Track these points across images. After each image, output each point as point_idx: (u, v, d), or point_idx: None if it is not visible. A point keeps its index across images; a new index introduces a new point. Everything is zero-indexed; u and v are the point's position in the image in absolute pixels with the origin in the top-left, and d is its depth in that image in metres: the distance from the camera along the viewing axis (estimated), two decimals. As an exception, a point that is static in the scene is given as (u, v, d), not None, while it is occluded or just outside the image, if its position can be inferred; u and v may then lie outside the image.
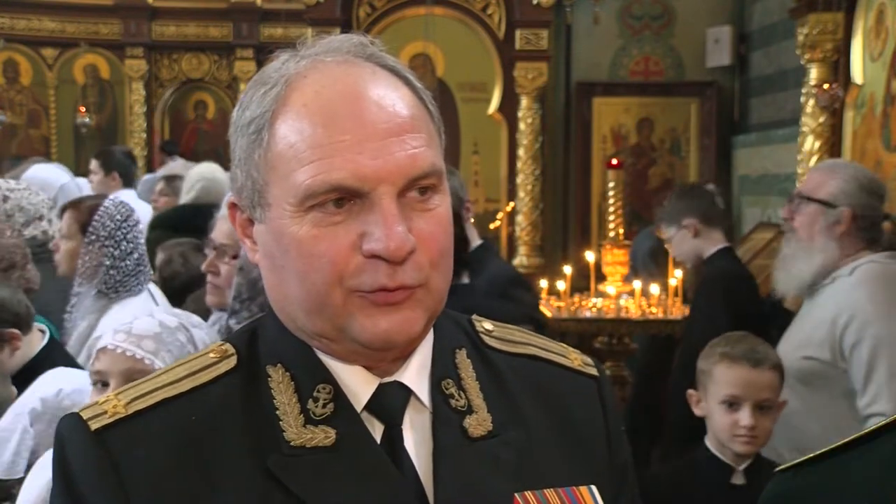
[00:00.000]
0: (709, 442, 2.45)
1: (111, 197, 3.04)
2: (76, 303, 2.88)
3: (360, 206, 0.94)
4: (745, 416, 2.33)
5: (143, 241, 2.90)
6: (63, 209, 3.00)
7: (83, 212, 2.88)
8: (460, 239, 3.23)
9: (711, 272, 3.76)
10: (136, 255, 2.83)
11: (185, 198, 4.45)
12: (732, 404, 2.36)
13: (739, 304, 3.56)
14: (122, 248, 2.77)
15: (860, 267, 2.69)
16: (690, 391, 2.49)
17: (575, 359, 1.16)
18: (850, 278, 2.69)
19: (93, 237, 2.78)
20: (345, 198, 0.93)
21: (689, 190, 4.10)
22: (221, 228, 2.53)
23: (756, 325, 2.98)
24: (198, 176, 4.43)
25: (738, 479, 2.37)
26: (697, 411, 2.49)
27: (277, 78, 0.98)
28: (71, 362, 2.60)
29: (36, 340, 2.58)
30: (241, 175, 1.00)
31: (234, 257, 2.48)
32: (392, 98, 0.96)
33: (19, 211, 3.42)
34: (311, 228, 0.94)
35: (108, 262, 2.77)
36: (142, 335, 1.78)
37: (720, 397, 2.38)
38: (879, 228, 2.76)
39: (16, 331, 2.50)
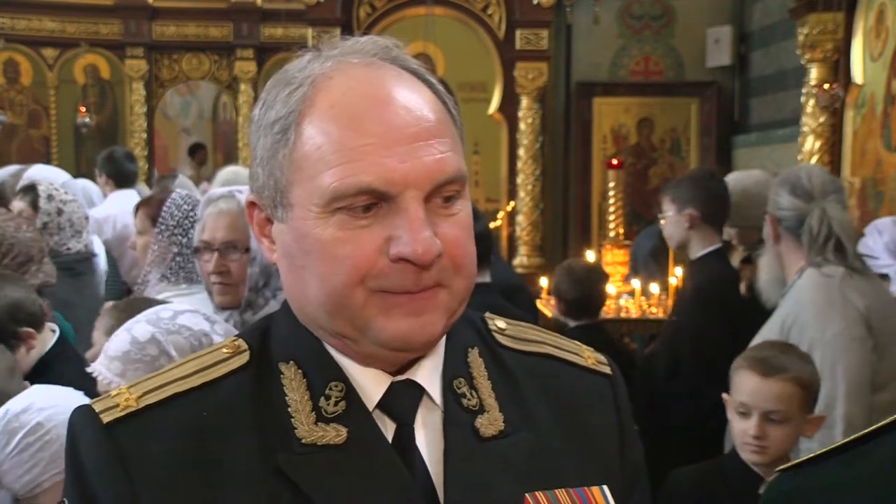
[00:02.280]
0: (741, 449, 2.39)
1: (177, 190, 3.13)
2: (141, 289, 2.96)
3: (386, 209, 0.93)
4: (751, 426, 2.27)
5: None
6: (136, 208, 3.11)
7: (153, 206, 3.01)
8: (485, 236, 3.24)
9: (700, 282, 3.62)
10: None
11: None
12: (743, 413, 2.31)
13: (729, 317, 3.40)
14: (189, 236, 2.83)
15: (805, 271, 2.73)
16: (725, 396, 2.42)
17: (588, 357, 1.15)
18: (799, 282, 2.74)
19: (162, 227, 2.87)
20: (374, 203, 0.93)
21: (702, 178, 3.76)
22: (220, 225, 2.43)
23: (749, 330, 2.94)
24: (223, 175, 4.58)
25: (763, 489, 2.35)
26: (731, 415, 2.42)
27: (302, 78, 0.98)
28: (80, 361, 2.63)
29: (48, 338, 2.64)
30: (262, 174, 0.99)
31: (247, 251, 2.39)
32: (418, 102, 0.96)
33: (70, 226, 3.44)
34: (336, 231, 0.93)
35: (175, 250, 2.85)
36: (112, 356, 1.82)
37: (735, 404, 2.34)
38: (806, 225, 2.72)
39: (31, 330, 2.56)
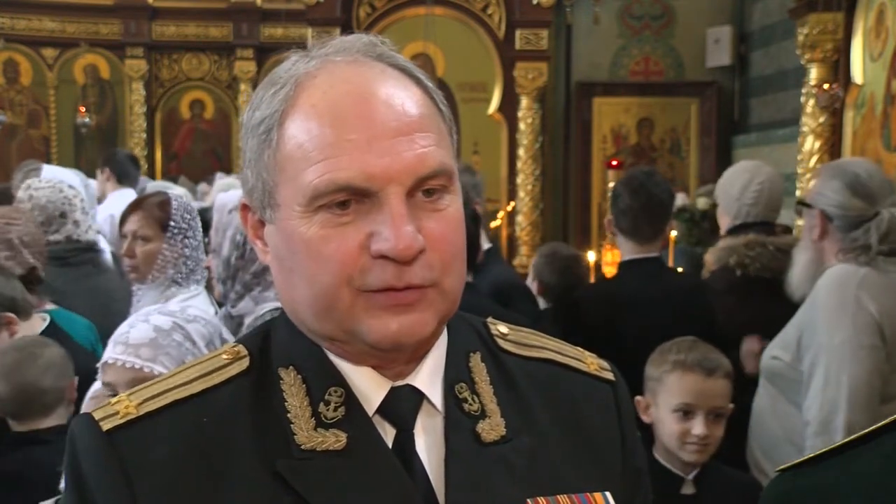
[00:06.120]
0: (656, 452, 2.39)
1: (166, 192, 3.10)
2: (139, 298, 2.87)
3: (368, 205, 0.93)
4: (698, 426, 2.30)
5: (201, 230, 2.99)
6: (125, 213, 2.90)
7: (156, 209, 2.84)
8: (473, 237, 3.20)
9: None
10: (200, 245, 2.93)
11: None
12: (686, 413, 2.32)
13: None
14: (197, 237, 2.88)
15: (827, 270, 2.63)
16: (638, 398, 2.40)
17: (591, 363, 1.14)
18: (819, 281, 2.63)
19: (175, 230, 2.83)
20: (351, 199, 0.92)
21: (617, 185, 3.33)
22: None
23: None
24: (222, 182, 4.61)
25: (687, 489, 2.33)
26: (645, 418, 2.41)
27: (287, 78, 0.98)
28: (73, 346, 2.64)
29: (37, 325, 2.62)
30: (251, 176, 0.99)
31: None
32: (401, 97, 0.96)
33: (41, 211, 3.39)
34: (319, 229, 0.93)
35: (187, 252, 2.85)
36: (139, 344, 1.83)
37: (672, 406, 2.33)
38: (872, 230, 2.57)
39: (11, 315, 2.53)
